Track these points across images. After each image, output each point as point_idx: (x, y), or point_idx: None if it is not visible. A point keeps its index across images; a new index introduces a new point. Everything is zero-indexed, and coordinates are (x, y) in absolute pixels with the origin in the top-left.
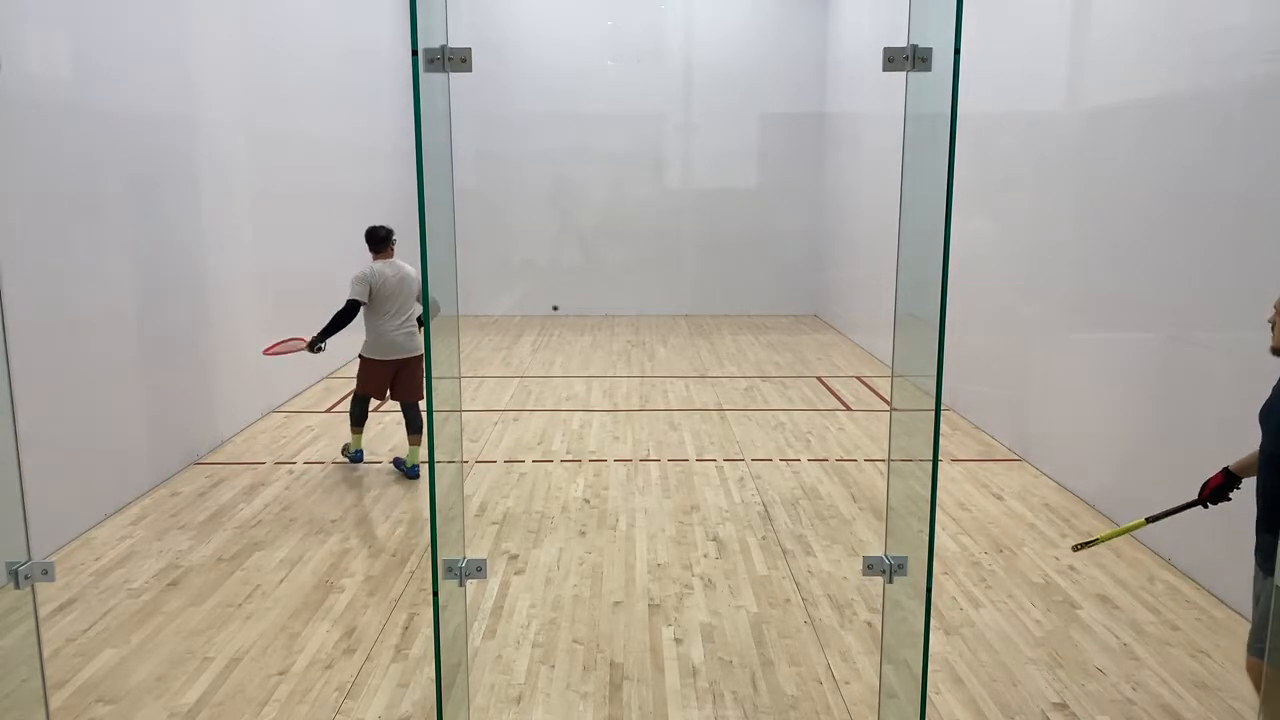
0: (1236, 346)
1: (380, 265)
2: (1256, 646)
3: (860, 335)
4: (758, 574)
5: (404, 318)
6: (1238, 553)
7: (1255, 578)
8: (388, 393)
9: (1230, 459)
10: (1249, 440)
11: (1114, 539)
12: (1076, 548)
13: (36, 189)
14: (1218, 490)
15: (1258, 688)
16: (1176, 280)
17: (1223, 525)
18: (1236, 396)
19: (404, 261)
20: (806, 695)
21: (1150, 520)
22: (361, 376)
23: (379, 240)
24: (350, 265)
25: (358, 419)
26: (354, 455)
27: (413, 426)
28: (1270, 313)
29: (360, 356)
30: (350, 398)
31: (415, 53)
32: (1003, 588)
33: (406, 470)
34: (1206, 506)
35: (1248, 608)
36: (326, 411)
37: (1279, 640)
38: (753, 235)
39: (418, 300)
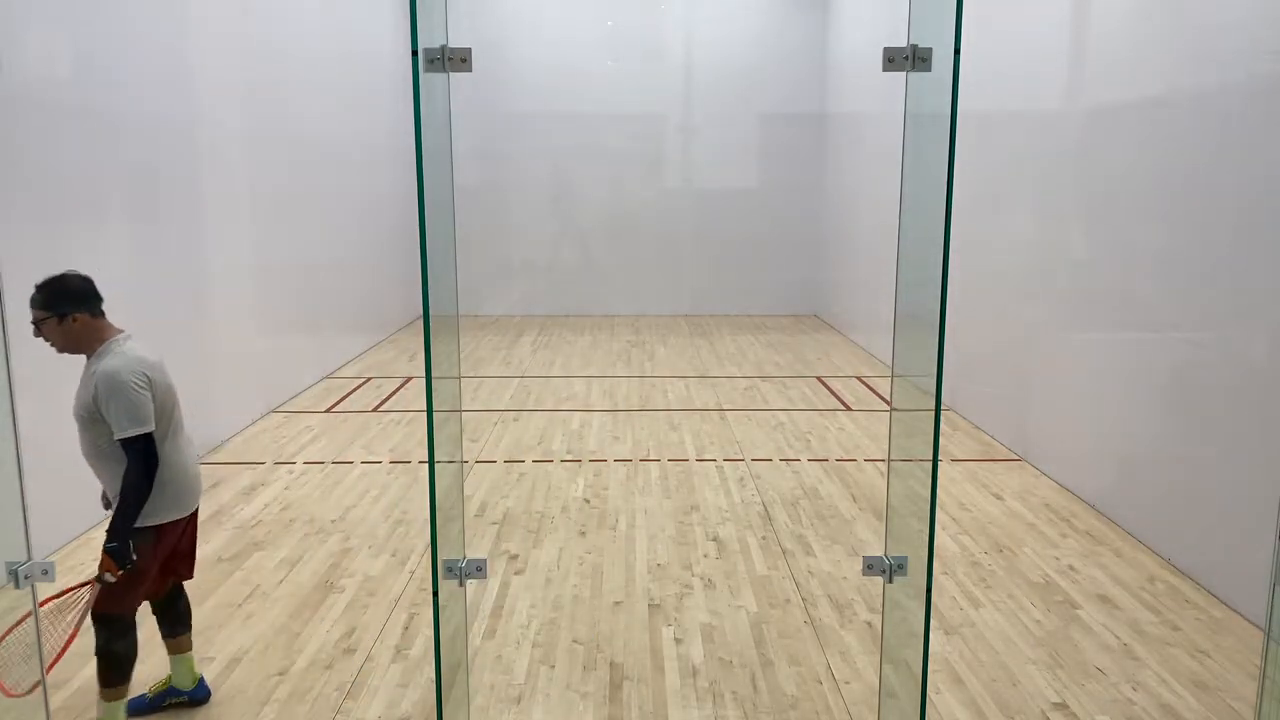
0: (1236, 345)
1: (140, 348)
2: None
3: (860, 335)
4: (758, 574)
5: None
6: (1238, 553)
7: None
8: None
9: (1228, 457)
10: (1249, 439)
11: None
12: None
13: (36, 189)
14: None
15: None
16: (1177, 279)
17: (1223, 526)
18: (1236, 395)
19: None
20: (806, 695)
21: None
22: (136, 569)
23: (93, 297)
24: (350, 265)
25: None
26: None
27: (184, 621)
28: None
29: (138, 529)
30: (97, 630)
31: (415, 53)
32: (1003, 588)
33: (189, 694)
34: None
35: (1248, 608)
36: (326, 411)
37: None
38: (753, 235)
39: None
